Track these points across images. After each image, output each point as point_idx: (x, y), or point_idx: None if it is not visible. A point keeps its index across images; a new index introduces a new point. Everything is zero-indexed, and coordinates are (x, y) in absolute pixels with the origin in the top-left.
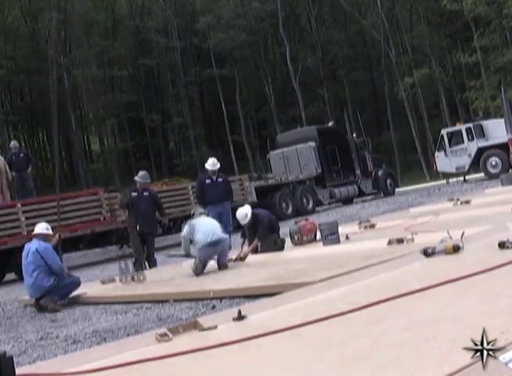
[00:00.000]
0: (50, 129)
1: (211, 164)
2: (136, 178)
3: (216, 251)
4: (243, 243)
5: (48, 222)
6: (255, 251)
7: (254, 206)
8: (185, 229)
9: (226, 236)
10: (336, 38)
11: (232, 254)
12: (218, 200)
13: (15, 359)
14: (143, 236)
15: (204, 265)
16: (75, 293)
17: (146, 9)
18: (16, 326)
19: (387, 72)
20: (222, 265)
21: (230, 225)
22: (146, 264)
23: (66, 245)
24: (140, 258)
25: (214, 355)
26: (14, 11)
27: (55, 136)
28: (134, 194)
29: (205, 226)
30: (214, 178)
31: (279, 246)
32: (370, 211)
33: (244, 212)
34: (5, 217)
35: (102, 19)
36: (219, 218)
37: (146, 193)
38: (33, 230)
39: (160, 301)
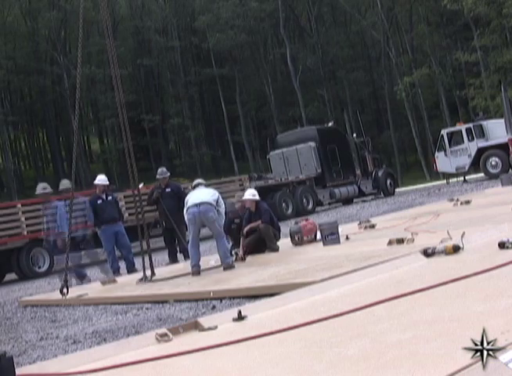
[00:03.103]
0: (50, 129)
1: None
2: (157, 176)
3: (198, 213)
4: (244, 243)
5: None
6: (251, 233)
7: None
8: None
9: (212, 201)
10: (336, 38)
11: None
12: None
13: (15, 360)
14: (171, 232)
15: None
16: (76, 293)
17: (145, 9)
18: (16, 326)
19: (387, 72)
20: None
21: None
22: (183, 256)
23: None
24: (173, 251)
25: (214, 355)
26: (14, 11)
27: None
28: (158, 191)
29: (197, 193)
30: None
31: (275, 240)
32: (370, 211)
33: (252, 192)
34: (5, 217)
35: (101, 19)
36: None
37: (168, 190)
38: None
39: (160, 301)
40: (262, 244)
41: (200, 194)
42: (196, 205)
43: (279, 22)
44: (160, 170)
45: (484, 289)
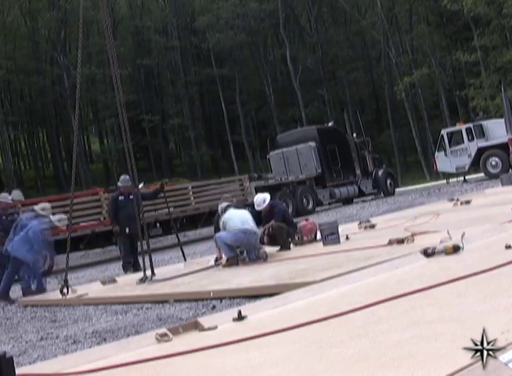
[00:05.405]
0: (50, 129)
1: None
2: (119, 183)
3: (245, 239)
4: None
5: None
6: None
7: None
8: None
9: (257, 230)
10: (335, 38)
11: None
12: None
13: (15, 360)
14: (132, 238)
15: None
16: (77, 293)
17: (145, 9)
18: (16, 326)
19: (387, 72)
20: (251, 262)
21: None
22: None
23: (66, 245)
24: (130, 260)
25: (214, 355)
26: (14, 11)
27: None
28: (121, 198)
29: (238, 216)
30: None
31: (286, 238)
32: (370, 211)
33: (263, 198)
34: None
35: (101, 19)
36: None
37: (131, 197)
38: None
39: (160, 301)
40: (275, 241)
41: (249, 220)
42: (250, 231)
43: (278, 22)
44: (122, 177)
45: (484, 289)
